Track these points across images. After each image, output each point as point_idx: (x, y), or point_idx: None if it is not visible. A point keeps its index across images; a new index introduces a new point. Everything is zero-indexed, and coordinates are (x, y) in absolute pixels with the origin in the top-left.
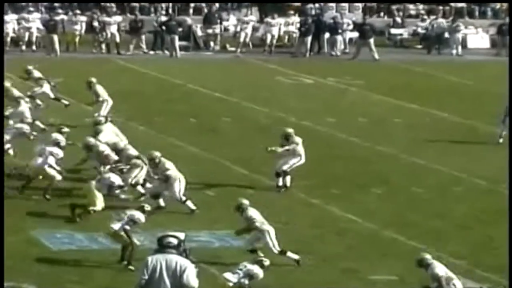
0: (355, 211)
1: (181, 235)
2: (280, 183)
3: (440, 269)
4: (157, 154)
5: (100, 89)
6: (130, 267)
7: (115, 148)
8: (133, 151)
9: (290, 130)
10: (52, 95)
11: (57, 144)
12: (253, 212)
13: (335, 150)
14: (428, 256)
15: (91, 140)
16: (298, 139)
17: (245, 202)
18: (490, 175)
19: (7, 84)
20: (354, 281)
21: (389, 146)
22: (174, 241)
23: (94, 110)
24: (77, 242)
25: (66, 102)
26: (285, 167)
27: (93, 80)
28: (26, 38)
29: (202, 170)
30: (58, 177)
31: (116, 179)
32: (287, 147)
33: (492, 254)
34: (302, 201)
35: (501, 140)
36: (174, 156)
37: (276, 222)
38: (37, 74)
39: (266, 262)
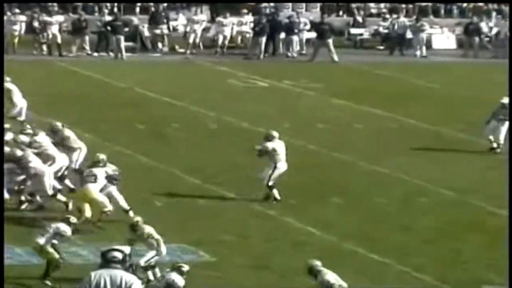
0: (313, 223)
1: (127, 249)
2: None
3: (331, 277)
4: (104, 156)
5: (8, 86)
6: (47, 282)
7: (13, 157)
8: (33, 162)
9: (273, 133)
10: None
11: None
12: (149, 229)
13: (291, 158)
14: (318, 263)
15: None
16: (274, 144)
17: (139, 219)
18: (457, 185)
19: None
20: None
21: (350, 153)
22: (119, 256)
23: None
24: (17, 257)
25: None
26: (265, 182)
27: (7, 78)
28: None
29: (151, 180)
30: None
31: (108, 169)
32: (258, 148)
33: (460, 269)
34: (257, 212)
35: (495, 145)
36: (122, 165)
37: (229, 234)
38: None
39: (185, 267)
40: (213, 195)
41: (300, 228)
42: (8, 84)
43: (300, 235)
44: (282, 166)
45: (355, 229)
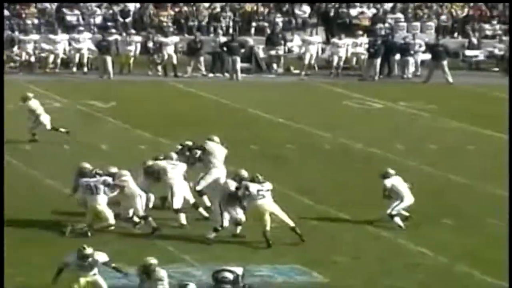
0: (426, 245)
1: (239, 270)
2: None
3: None
4: (246, 173)
5: (34, 104)
6: None
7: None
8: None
9: (390, 171)
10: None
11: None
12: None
13: (404, 179)
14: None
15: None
16: (393, 179)
17: (154, 262)
18: None
19: None
20: None
21: (462, 175)
22: (230, 276)
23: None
24: (131, 277)
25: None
26: (388, 211)
27: (30, 95)
28: (77, 60)
29: None
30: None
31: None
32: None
33: None
34: (370, 233)
35: None
36: None
37: (343, 255)
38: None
39: (191, 286)
40: (326, 216)
41: (413, 249)
42: (32, 102)
43: (412, 257)
44: (405, 201)
45: (468, 251)
